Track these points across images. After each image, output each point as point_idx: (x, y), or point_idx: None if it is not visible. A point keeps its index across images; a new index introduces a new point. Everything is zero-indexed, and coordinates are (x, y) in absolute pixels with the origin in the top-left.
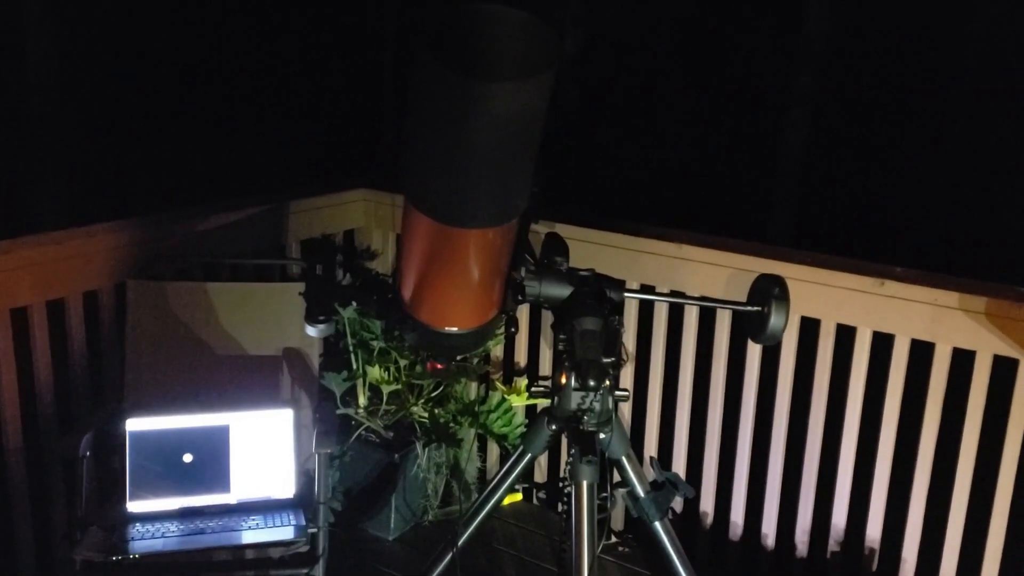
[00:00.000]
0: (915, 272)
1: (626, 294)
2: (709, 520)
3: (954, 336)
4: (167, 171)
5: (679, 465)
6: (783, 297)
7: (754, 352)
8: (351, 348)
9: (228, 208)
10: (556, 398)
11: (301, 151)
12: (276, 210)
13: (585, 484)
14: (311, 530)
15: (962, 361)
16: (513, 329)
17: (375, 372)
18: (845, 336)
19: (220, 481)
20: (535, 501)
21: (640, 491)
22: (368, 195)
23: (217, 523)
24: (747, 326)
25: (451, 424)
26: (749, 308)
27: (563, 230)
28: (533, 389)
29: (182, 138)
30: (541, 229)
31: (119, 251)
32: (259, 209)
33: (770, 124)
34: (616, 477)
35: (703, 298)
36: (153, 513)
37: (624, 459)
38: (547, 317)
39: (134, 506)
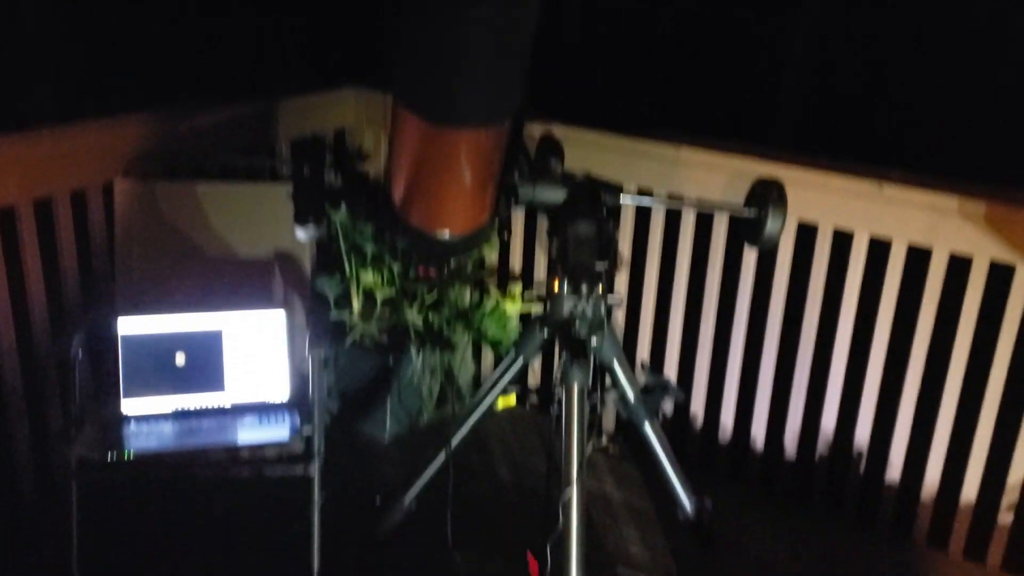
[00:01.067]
0: (915, 176)
1: (622, 198)
2: (699, 423)
3: (952, 241)
4: (155, 68)
5: (671, 369)
6: (780, 201)
7: (750, 257)
8: (344, 252)
9: (216, 106)
10: (549, 303)
11: (292, 47)
12: (265, 108)
13: (576, 388)
14: (306, 431)
15: (958, 267)
16: (506, 234)
17: (368, 277)
18: (842, 242)
19: (214, 382)
20: (528, 405)
21: (630, 395)
22: (359, 93)
23: (212, 423)
24: (743, 231)
25: (445, 329)
26: (746, 212)
27: (559, 131)
28: (527, 295)
29: (170, 33)
30: (536, 131)
31: (106, 150)
32: (248, 107)
33: (774, 27)
34: (607, 381)
35: (699, 201)
36: (148, 413)
37: (615, 363)
38: (542, 221)
39: (128, 406)
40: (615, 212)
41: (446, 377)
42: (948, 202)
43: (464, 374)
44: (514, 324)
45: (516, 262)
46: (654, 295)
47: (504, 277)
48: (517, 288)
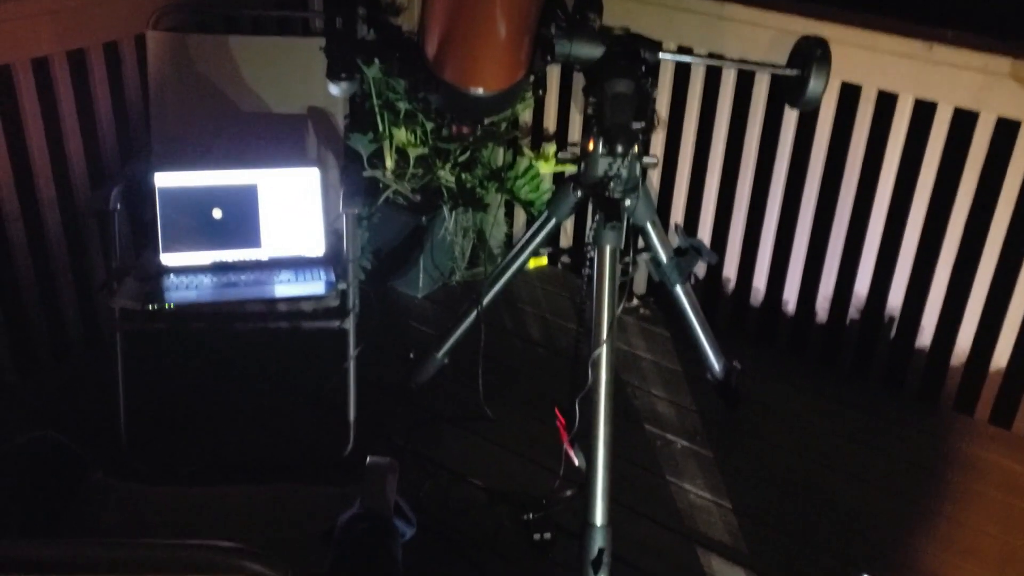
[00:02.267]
0: (967, 36)
1: (662, 55)
2: (731, 286)
3: (1001, 105)
4: None
5: (705, 232)
6: (824, 60)
7: (790, 119)
8: (376, 109)
9: None
10: (583, 164)
11: None
12: None
13: (608, 249)
14: (341, 286)
15: (1004, 131)
16: (541, 91)
17: (401, 135)
18: (885, 104)
19: (251, 237)
20: (560, 265)
21: (663, 257)
22: None
23: (249, 277)
24: (785, 90)
25: (478, 189)
26: (788, 71)
27: None
28: (560, 155)
29: None
30: None
31: (137, 1)
32: None
33: None
34: (640, 243)
35: (741, 60)
36: (186, 266)
37: (649, 225)
38: (578, 80)
39: (167, 259)
40: (654, 70)
41: (478, 237)
42: (1000, 64)
43: (496, 234)
44: (547, 184)
45: (550, 121)
46: (691, 156)
47: (537, 136)
48: (551, 148)
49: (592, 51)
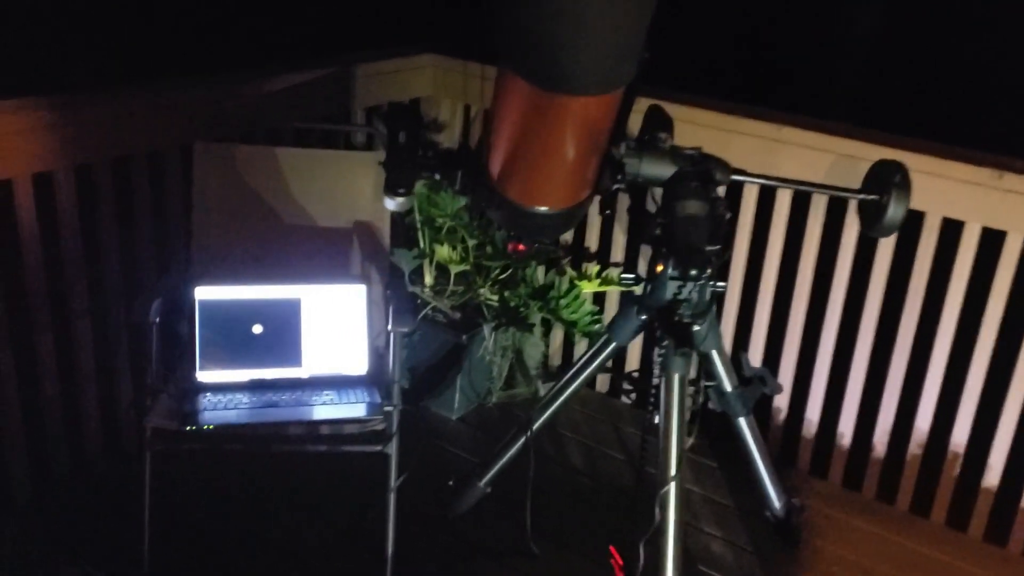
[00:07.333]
0: None
1: (736, 177)
2: (783, 416)
3: None
4: (233, 32)
5: (756, 358)
6: (904, 185)
7: (848, 243)
8: (418, 226)
9: (293, 70)
10: (648, 286)
11: (365, 11)
12: (341, 74)
13: (677, 377)
14: (387, 408)
15: None
16: (608, 211)
17: (443, 252)
18: (950, 232)
19: (291, 354)
20: (625, 397)
21: (727, 386)
22: (437, 61)
23: (289, 397)
24: (861, 215)
25: (521, 308)
26: (867, 196)
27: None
28: (624, 277)
29: None
30: (640, 104)
31: (183, 112)
32: (324, 72)
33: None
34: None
35: (818, 185)
36: (223, 384)
37: (715, 353)
38: (623, 200)
39: (204, 376)
40: (726, 192)
41: (516, 357)
42: None
43: (534, 354)
44: (589, 306)
45: (592, 241)
46: (741, 279)
47: (579, 256)
48: (593, 267)
49: (662, 171)
